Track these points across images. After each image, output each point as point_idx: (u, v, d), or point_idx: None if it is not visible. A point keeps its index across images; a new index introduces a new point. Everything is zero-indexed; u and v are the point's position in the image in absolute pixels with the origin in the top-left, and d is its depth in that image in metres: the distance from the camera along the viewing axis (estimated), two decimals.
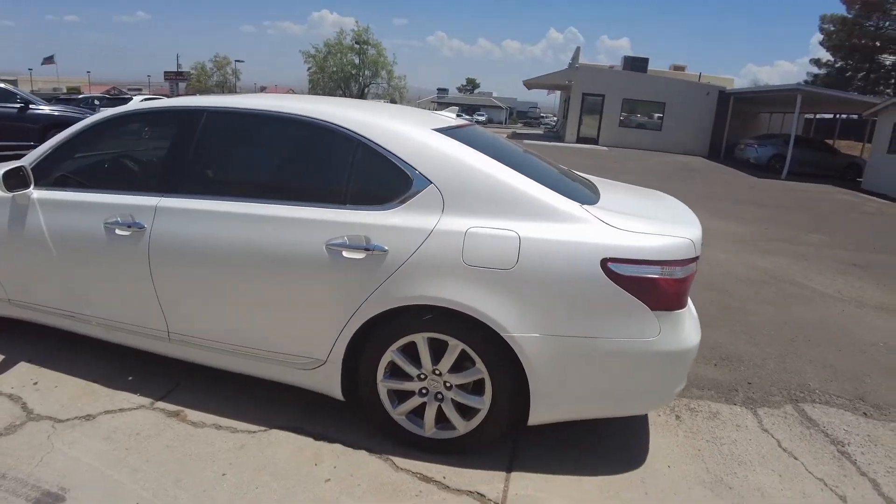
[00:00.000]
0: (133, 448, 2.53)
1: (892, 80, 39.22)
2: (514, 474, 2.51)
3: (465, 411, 2.51)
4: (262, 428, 2.72)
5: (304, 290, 2.51)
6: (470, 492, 2.38)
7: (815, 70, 43.94)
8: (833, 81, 39.09)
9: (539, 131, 40.46)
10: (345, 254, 2.41)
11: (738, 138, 24.92)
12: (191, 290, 2.75)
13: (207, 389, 3.01)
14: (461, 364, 2.44)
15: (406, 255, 2.35)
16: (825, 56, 42.65)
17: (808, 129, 30.98)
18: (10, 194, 2.98)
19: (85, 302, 3.05)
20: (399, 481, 2.41)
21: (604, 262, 2.24)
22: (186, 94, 40.83)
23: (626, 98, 26.89)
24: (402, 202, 2.45)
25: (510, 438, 2.72)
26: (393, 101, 45.55)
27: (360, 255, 2.40)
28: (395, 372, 2.53)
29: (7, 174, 2.90)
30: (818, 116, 32.51)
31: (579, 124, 27.34)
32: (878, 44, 38.01)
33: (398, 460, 2.53)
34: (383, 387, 2.53)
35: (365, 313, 2.42)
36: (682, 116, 26.48)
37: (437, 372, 2.47)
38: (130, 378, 3.13)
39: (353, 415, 2.79)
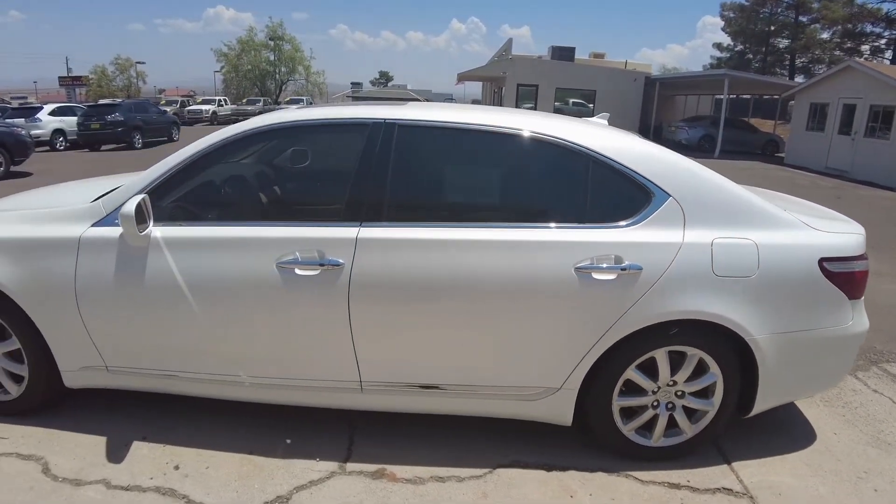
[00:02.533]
0: None
1: (786, 63, 42.49)
2: (735, 465, 2.65)
3: (690, 415, 2.60)
4: (486, 469, 2.53)
5: (544, 317, 2.36)
6: (717, 489, 2.48)
7: (718, 53, 46.93)
8: (736, 64, 41.83)
9: None
10: (595, 275, 2.31)
11: (661, 121, 26.14)
12: (399, 331, 2.41)
13: (386, 438, 2.72)
14: (696, 371, 2.50)
15: (660, 271, 2.32)
16: (725, 40, 45.57)
17: (724, 109, 32.88)
18: (142, 233, 2.40)
19: (237, 361, 2.54)
20: (657, 494, 2.44)
21: (820, 262, 2.41)
22: (87, 100, 37.51)
23: (558, 87, 27.39)
24: (645, 217, 2.39)
25: None
26: (311, 99, 44.12)
27: (611, 276, 2.31)
28: (629, 389, 2.52)
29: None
30: (730, 97, 34.58)
31: None
32: (772, 28, 41.02)
33: (638, 474, 2.55)
34: (616, 405, 2.50)
35: (614, 335, 2.34)
36: (612, 102, 27.23)
37: (671, 383, 2.50)
38: (289, 441, 2.68)
39: (556, 439, 2.72)
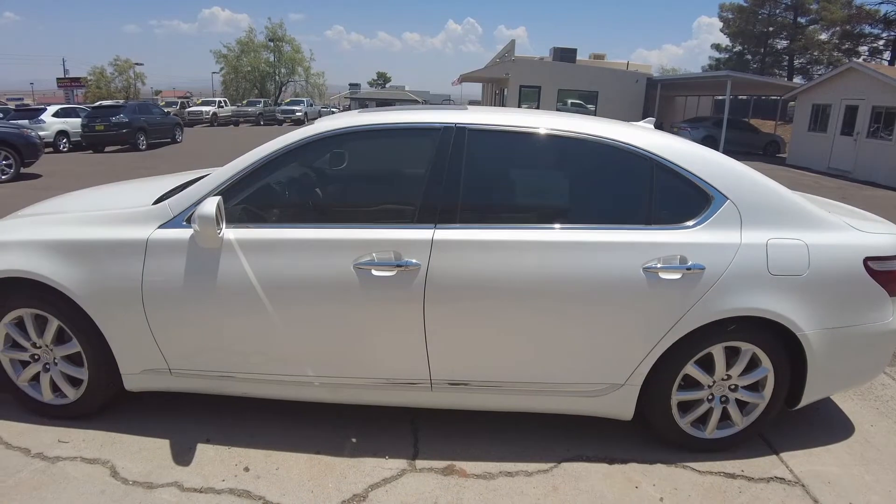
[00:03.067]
0: None
1: (784, 63, 42.66)
2: (783, 455, 2.74)
3: (742, 407, 2.69)
4: (552, 464, 2.60)
5: (612, 316, 2.44)
6: (770, 478, 2.58)
7: (717, 54, 47.06)
8: (735, 65, 41.97)
9: None
10: (661, 275, 2.41)
11: (662, 122, 26.22)
12: (470, 330, 2.46)
13: (449, 435, 2.77)
14: (749, 366, 2.60)
15: (721, 270, 2.42)
16: (722, 41, 45.74)
17: (723, 110, 33.01)
18: (219, 234, 2.42)
19: (308, 361, 2.56)
20: (715, 483, 2.53)
21: (865, 261, 2.53)
22: (86, 101, 37.32)
23: (561, 88, 27.45)
24: (706, 219, 2.50)
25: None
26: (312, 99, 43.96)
27: (677, 276, 2.41)
28: (687, 384, 2.62)
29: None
30: (729, 97, 34.71)
31: None
32: (771, 29, 41.18)
33: (694, 465, 2.64)
34: (675, 399, 2.60)
35: (677, 332, 2.44)
36: (614, 103, 27.38)
37: (725, 377, 2.60)
38: (354, 440, 2.71)
39: (612, 432, 2.81)
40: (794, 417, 2.97)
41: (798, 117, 22.56)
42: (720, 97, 34.59)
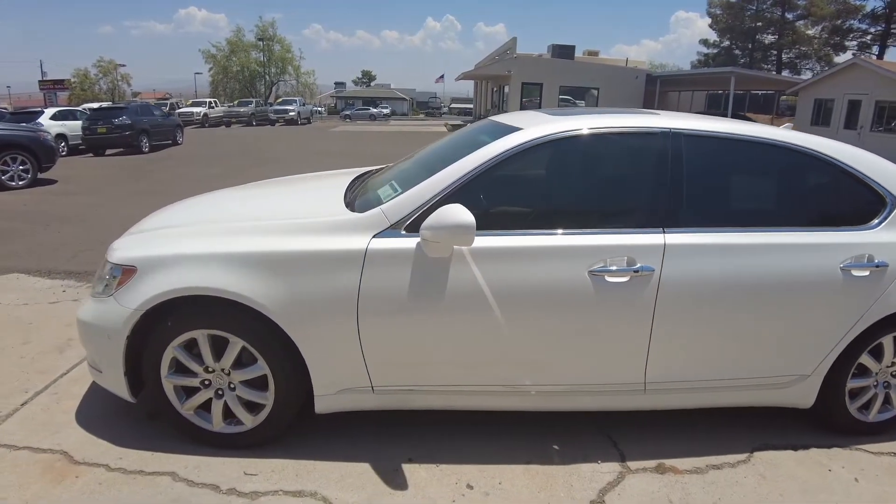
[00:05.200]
0: None
1: (771, 58, 43.21)
2: None
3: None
4: (746, 454, 2.67)
5: (812, 311, 2.56)
6: None
7: (705, 50, 47.54)
8: (724, 60, 42.41)
9: (470, 119, 40.32)
10: (854, 273, 2.53)
11: None
12: (693, 333, 2.52)
13: (643, 435, 2.78)
14: None
15: None
16: (702, 36, 46.18)
17: (717, 105, 33.34)
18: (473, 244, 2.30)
19: (529, 370, 2.50)
20: (893, 463, 2.64)
21: None
22: (69, 103, 36.36)
23: (562, 85, 27.45)
24: (885, 219, 2.64)
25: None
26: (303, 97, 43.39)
27: (866, 273, 2.54)
28: (859, 372, 2.74)
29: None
30: (725, 93, 35.07)
31: None
32: (759, 24, 41.66)
33: (866, 447, 2.74)
34: (848, 387, 2.72)
35: (861, 325, 2.57)
36: (614, 100, 27.46)
37: (890, 364, 2.74)
38: (556, 447, 2.66)
39: (781, 421, 2.91)
40: None
41: (800, 112, 22.79)
42: (714, 91, 34.96)
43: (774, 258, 2.48)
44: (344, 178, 3.70)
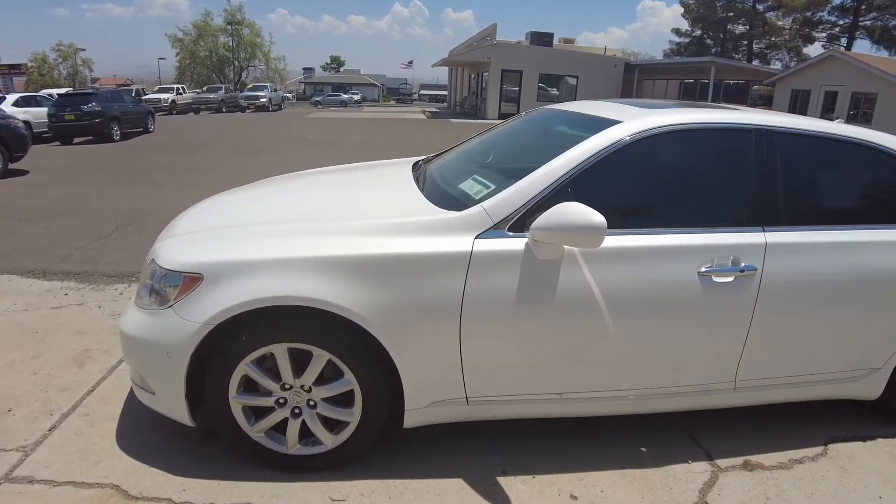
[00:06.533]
0: None
1: (743, 48, 43.88)
2: None
3: None
4: (821, 447, 2.70)
5: (888, 306, 2.57)
6: None
7: (677, 39, 47.99)
8: (696, 50, 42.90)
9: (444, 106, 39.82)
10: None
11: None
12: (787, 331, 2.49)
13: (722, 432, 2.76)
14: None
15: None
16: (671, 25, 46.69)
17: (692, 94, 33.68)
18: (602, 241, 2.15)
19: (629, 374, 2.41)
20: None
21: None
22: (27, 89, 34.55)
23: (542, 73, 27.31)
24: None
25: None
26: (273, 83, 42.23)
27: None
28: None
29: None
30: (693, 82, 35.49)
31: (500, 100, 27.30)
32: (730, 14, 42.21)
33: None
34: None
35: None
36: (594, 87, 27.47)
37: None
38: (644, 449, 2.61)
39: (836, 413, 2.94)
40: None
41: (777, 102, 23.17)
42: (687, 81, 35.35)
43: (861, 255, 2.50)
44: (390, 169, 3.47)
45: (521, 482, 2.33)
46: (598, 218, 2.07)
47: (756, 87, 33.60)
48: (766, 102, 26.32)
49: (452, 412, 2.34)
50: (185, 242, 2.39)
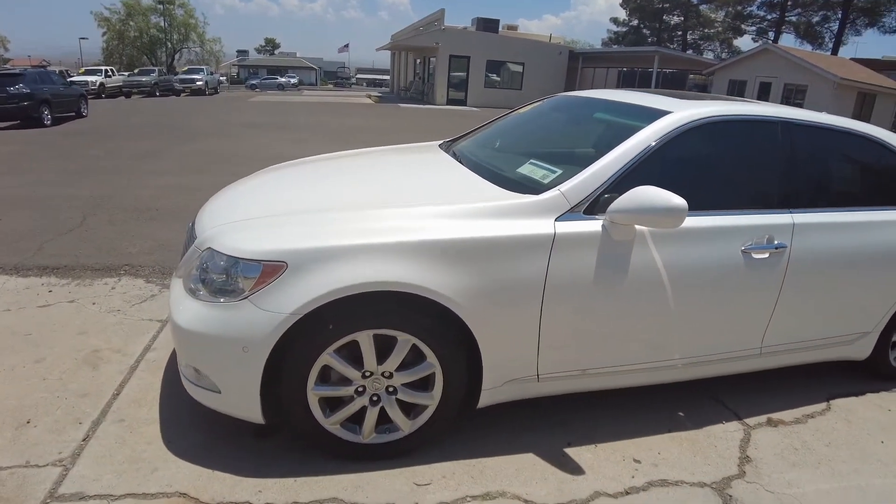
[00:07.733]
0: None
1: (677, 38, 45.52)
2: None
3: None
4: (823, 404, 3.05)
5: (885, 276, 2.93)
6: None
7: (615, 28, 49.23)
8: (633, 39, 44.16)
9: (388, 91, 39.17)
10: None
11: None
12: (807, 300, 2.78)
13: (740, 393, 3.07)
14: None
15: None
16: (607, 13, 47.90)
17: (631, 82, 34.65)
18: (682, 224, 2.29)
19: (682, 344, 2.60)
20: None
21: None
22: None
23: (489, 59, 27.38)
24: None
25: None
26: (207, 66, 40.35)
27: None
28: None
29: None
30: (634, 71, 36.53)
31: (448, 86, 27.20)
32: (666, 6, 43.65)
33: None
34: (893, 339, 3.18)
35: None
36: (539, 75, 27.84)
37: None
38: (681, 413, 2.87)
39: (829, 374, 3.33)
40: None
41: (716, 91, 24.20)
42: (626, 69, 36.41)
43: (866, 232, 2.84)
44: (424, 154, 3.47)
45: (587, 451, 2.49)
46: (678, 200, 2.19)
47: (692, 76, 34.97)
48: (702, 91, 27.43)
49: (523, 389, 2.42)
50: (249, 229, 2.23)
